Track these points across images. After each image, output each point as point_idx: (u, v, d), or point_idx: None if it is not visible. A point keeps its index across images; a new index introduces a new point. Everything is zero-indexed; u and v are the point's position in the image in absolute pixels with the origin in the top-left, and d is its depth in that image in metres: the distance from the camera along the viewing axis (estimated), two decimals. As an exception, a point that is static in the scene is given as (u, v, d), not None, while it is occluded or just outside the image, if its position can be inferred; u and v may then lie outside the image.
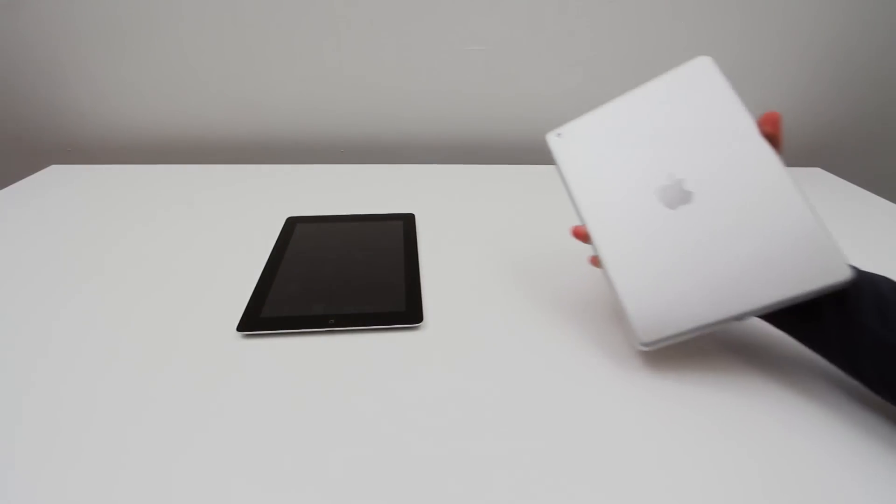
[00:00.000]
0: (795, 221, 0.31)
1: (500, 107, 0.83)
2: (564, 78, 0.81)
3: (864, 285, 0.31)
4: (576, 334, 0.42)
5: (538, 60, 0.79)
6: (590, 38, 0.78)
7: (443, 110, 0.83)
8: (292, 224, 0.59)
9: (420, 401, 0.36)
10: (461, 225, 0.60)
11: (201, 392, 0.36)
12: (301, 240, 0.55)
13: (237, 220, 0.60)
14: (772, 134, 0.33)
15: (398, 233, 0.57)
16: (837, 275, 0.30)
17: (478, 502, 0.29)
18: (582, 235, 0.39)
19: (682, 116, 0.35)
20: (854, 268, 0.32)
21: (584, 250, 0.40)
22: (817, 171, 0.81)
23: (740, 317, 0.33)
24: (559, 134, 0.40)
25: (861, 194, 0.73)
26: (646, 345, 0.35)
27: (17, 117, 0.81)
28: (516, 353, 0.40)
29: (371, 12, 0.75)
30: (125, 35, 0.75)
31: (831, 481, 0.30)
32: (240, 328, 0.42)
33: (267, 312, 0.43)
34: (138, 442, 0.32)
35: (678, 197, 0.34)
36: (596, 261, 0.39)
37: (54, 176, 0.73)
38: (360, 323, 0.42)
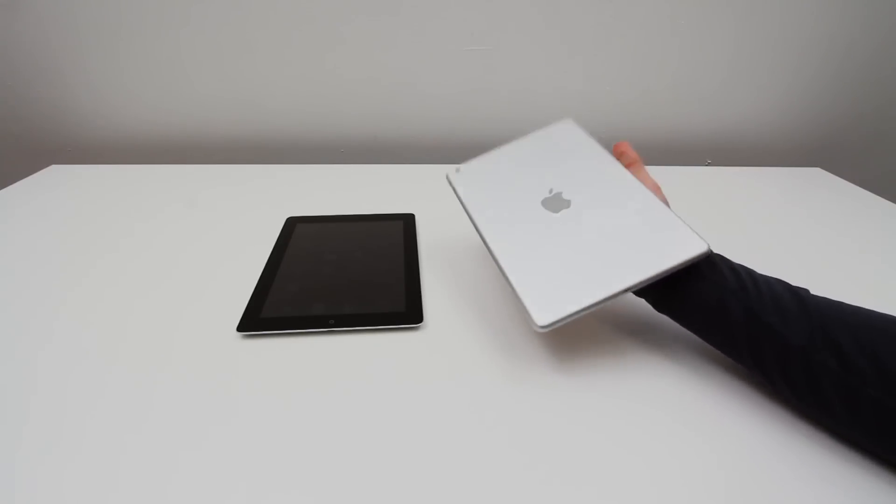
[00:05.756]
0: (652, 213, 0.39)
1: (500, 107, 0.83)
2: (564, 78, 0.81)
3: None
4: (576, 333, 0.42)
5: (538, 60, 0.80)
6: (589, 39, 0.78)
7: (443, 110, 0.83)
8: (292, 224, 0.59)
9: (420, 401, 0.36)
10: (461, 225, 0.60)
11: (201, 392, 0.36)
12: (301, 240, 0.55)
13: (237, 220, 0.60)
14: (622, 154, 0.44)
15: (398, 233, 0.57)
16: (694, 249, 0.35)
17: (477, 502, 0.29)
18: None
19: (555, 151, 0.47)
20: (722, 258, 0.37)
21: None
22: (817, 171, 0.81)
23: (619, 294, 0.37)
24: (458, 170, 0.48)
25: (861, 194, 0.73)
26: (542, 327, 0.39)
27: (17, 117, 0.81)
28: (517, 352, 0.40)
29: (371, 12, 0.75)
30: (125, 35, 0.75)
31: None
32: (240, 328, 0.42)
33: (267, 312, 0.43)
34: (138, 442, 0.32)
35: (559, 204, 0.42)
36: None
37: (54, 176, 0.73)
38: (360, 323, 0.42)
